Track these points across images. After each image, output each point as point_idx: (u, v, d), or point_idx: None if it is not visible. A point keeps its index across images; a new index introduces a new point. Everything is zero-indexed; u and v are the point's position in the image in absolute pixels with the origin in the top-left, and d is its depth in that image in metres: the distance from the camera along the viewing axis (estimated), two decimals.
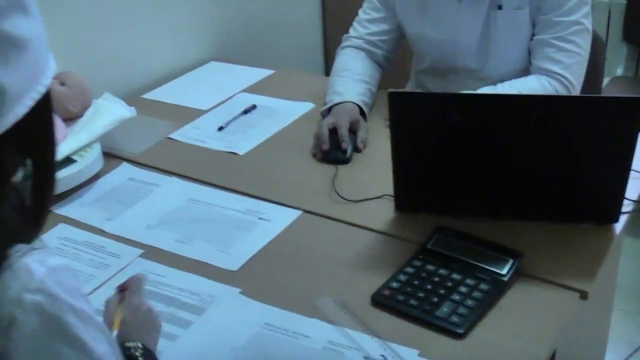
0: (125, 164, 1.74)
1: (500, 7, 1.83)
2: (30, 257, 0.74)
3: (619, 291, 2.03)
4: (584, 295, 1.23)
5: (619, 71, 2.89)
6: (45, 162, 0.83)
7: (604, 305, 1.82)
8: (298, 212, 1.51)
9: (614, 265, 1.75)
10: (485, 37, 1.87)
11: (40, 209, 0.83)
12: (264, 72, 2.23)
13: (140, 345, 1.00)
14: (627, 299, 2.29)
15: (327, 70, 2.96)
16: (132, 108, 1.80)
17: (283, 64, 2.43)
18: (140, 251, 1.41)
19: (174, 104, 2.04)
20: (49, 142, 0.83)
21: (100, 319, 0.88)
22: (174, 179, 1.66)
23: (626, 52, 2.87)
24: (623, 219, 1.39)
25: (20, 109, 0.75)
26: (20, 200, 0.79)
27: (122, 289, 1.12)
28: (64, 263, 0.77)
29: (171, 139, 1.85)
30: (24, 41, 0.74)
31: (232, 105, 2.01)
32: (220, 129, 1.88)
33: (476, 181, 1.39)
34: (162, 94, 2.13)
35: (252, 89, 2.12)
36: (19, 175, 0.80)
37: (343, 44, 2.06)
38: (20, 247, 0.75)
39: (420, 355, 1.12)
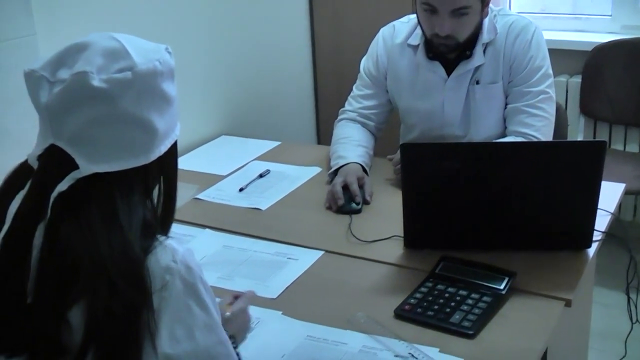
0: None
1: (478, 82, 2.15)
2: (172, 241, 1.03)
3: (594, 334, 2.30)
4: (568, 303, 1.49)
5: (579, 139, 3.22)
6: (172, 183, 1.13)
7: (584, 313, 2.09)
8: (321, 252, 1.76)
9: (590, 281, 2.02)
10: (467, 107, 2.18)
11: (168, 215, 1.12)
12: (272, 144, 2.52)
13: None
14: (602, 340, 2.56)
15: (320, 140, 3.28)
16: None
17: (283, 136, 2.72)
18: None
19: (195, 171, 2.29)
20: (175, 170, 1.14)
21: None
22: (207, 230, 1.91)
23: (584, 123, 3.23)
24: (595, 245, 1.67)
25: (163, 148, 1.05)
26: (154, 208, 1.08)
27: (236, 297, 1.46)
28: (191, 248, 1.05)
29: (198, 199, 2.11)
30: (171, 99, 1.06)
31: (248, 171, 2.28)
32: (241, 190, 2.14)
33: (474, 218, 1.66)
34: (182, 163, 2.33)
35: (263, 158, 2.40)
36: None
37: (340, 117, 2.35)
38: (161, 237, 1.03)
39: (440, 351, 1.37)
